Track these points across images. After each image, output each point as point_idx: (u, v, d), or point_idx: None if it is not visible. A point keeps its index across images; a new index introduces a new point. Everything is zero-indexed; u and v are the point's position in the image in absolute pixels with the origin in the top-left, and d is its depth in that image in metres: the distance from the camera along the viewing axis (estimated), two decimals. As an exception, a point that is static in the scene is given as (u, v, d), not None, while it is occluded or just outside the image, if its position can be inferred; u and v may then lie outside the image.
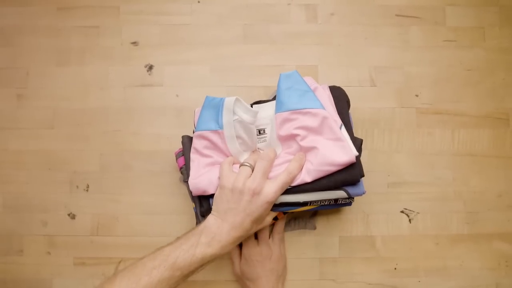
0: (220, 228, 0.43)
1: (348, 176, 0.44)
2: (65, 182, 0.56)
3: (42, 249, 0.56)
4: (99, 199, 0.56)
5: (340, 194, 0.45)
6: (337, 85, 0.51)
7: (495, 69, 0.58)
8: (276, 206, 0.46)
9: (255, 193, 0.43)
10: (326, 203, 0.47)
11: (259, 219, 0.44)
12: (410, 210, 0.56)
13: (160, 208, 0.56)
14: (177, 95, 0.57)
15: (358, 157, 0.44)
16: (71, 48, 0.58)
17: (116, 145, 0.57)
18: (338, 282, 0.55)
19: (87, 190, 0.56)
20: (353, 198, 0.47)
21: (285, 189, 0.44)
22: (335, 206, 0.48)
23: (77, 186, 0.56)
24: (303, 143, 0.45)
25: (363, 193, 0.46)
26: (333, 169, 0.43)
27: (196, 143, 0.48)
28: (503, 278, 0.55)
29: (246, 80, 0.57)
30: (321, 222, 0.56)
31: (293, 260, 0.55)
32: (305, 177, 0.44)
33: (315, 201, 0.46)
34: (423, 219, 0.56)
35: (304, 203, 0.46)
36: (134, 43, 0.58)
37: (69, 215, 0.56)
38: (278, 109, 0.46)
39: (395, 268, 0.55)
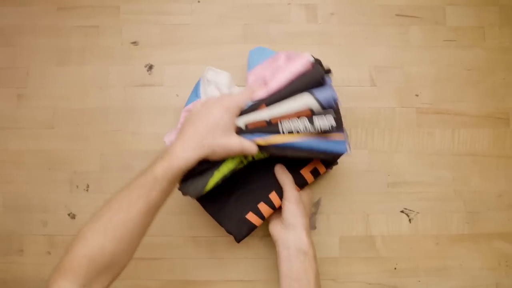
0: (173, 143, 0.43)
1: (309, 77, 0.45)
2: (65, 182, 0.56)
3: (42, 249, 0.56)
4: (99, 199, 0.55)
5: (308, 100, 0.44)
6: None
7: (495, 69, 0.57)
8: (244, 133, 0.45)
9: (219, 101, 0.45)
10: (314, 145, 0.44)
11: (215, 129, 0.43)
12: (410, 210, 0.56)
13: (160, 208, 0.56)
14: (177, 95, 0.57)
15: (320, 62, 0.46)
16: (71, 48, 0.58)
17: (116, 145, 0.57)
18: (338, 282, 0.55)
19: (87, 190, 0.56)
20: (344, 144, 0.45)
21: (246, 101, 0.46)
22: (327, 151, 0.45)
23: (77, 186, 0.56)
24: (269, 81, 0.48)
25: (343, 133, 0.45)
26: (291, 75, 0.45)
27: (180, 118, 0.51)
28: (503, 278, 0.55)
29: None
30: (321, 222, 0.56)
31: (293, 260, 0.55)
32: (266, 92, 0.46)
33: (287, 123, 0.44)
34: (423, 219, 0.56)
35: (275, 127, 0.44)
36: (134, 43, 0.58)
37: (69, 215, 0.56)
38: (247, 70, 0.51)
39: (395, 268, 0.55)
